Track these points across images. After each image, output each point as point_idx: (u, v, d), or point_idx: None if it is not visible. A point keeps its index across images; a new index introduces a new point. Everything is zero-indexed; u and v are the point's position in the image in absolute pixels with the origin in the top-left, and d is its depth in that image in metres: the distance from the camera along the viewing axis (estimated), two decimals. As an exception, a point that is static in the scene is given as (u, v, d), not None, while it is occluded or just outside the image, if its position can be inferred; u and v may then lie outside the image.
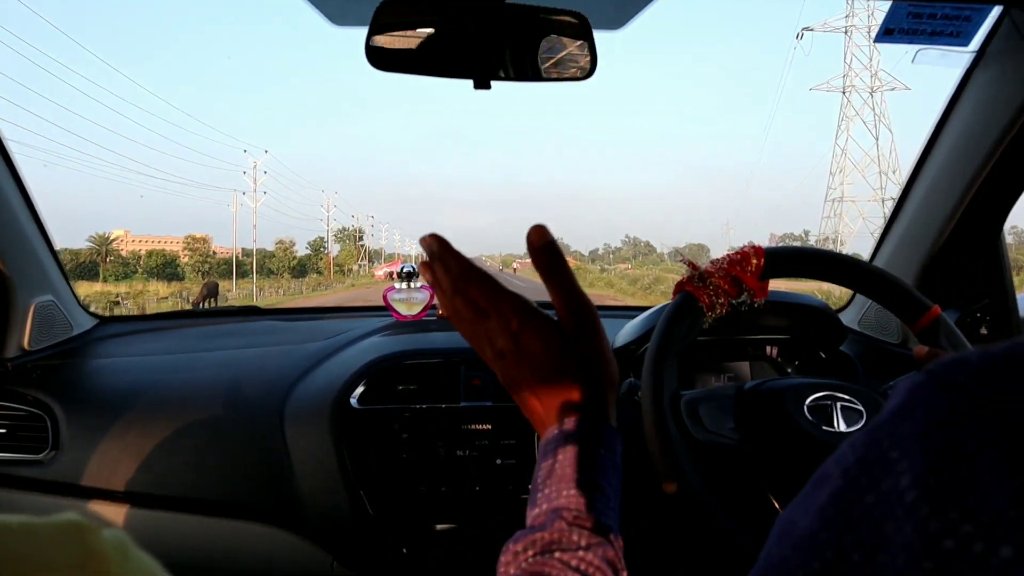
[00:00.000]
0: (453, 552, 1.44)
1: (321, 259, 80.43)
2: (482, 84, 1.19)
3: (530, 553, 0.55)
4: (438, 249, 0.68)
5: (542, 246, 0.64)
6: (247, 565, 1.47)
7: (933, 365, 0.38)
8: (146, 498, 1.45)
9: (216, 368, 1.59)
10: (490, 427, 1.42)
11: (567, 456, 0.60)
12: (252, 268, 59.87)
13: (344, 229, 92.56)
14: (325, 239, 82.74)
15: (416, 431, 1.42)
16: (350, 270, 79.95)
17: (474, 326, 0.66)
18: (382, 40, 1.15)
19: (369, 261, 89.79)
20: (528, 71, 1.21)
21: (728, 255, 1.09)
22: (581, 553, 0.54)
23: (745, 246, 1.10)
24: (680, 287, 1.10)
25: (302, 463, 1.42)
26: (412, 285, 1.77)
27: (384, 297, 1.77)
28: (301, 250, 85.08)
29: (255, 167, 59.55)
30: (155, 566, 0.41)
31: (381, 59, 1.16)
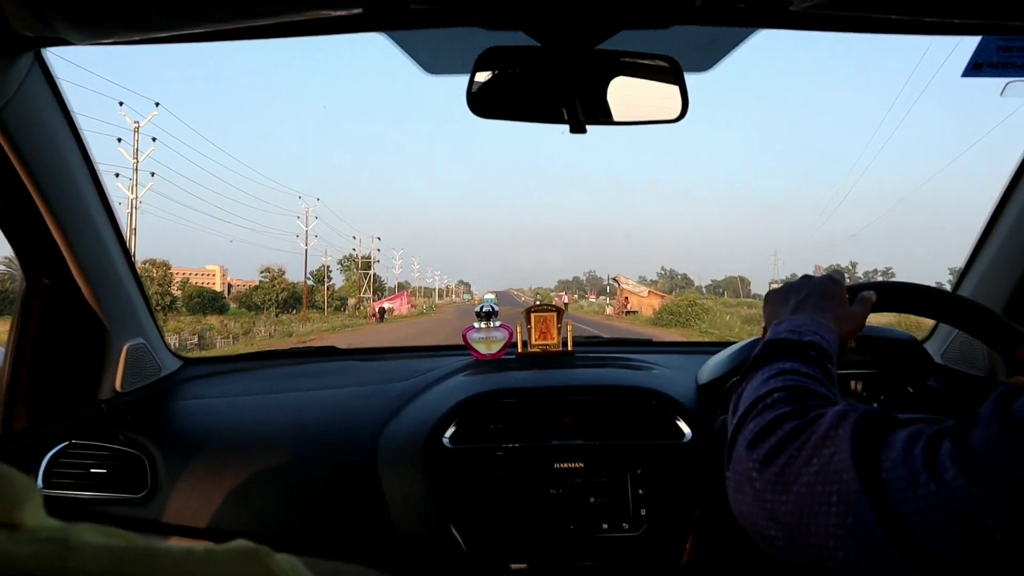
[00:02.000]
0: None
1: (323, 290, 66.55)
2: (577, 129, 1.22)
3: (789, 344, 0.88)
4: None
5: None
6: None
7: None
8: (241, 536, 1.46)
9: (304, 409, 1.62)
10: (582, 465, 1.43)
11: (813, 326, 0.91)
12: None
13: (351, 256, 77.98)
14: (325, 266, 67.40)
15: (508, 470, 1.42)
16: (345, 305, 66.08)
17: None
18: (481, 89, 1.18)
19: (375, 293, 75.51)
20: (621, 114, 1.23)
21: None
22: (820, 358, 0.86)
23: None
24: None
25: (395, 502, 1.43)
26: (491, 324, 1.79)
27: (464, 336, 1.79)
28: (300, 278, 69.63)
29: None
30: None
31: (481, 106, 1.19)
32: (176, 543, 0.35)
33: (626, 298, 60.36)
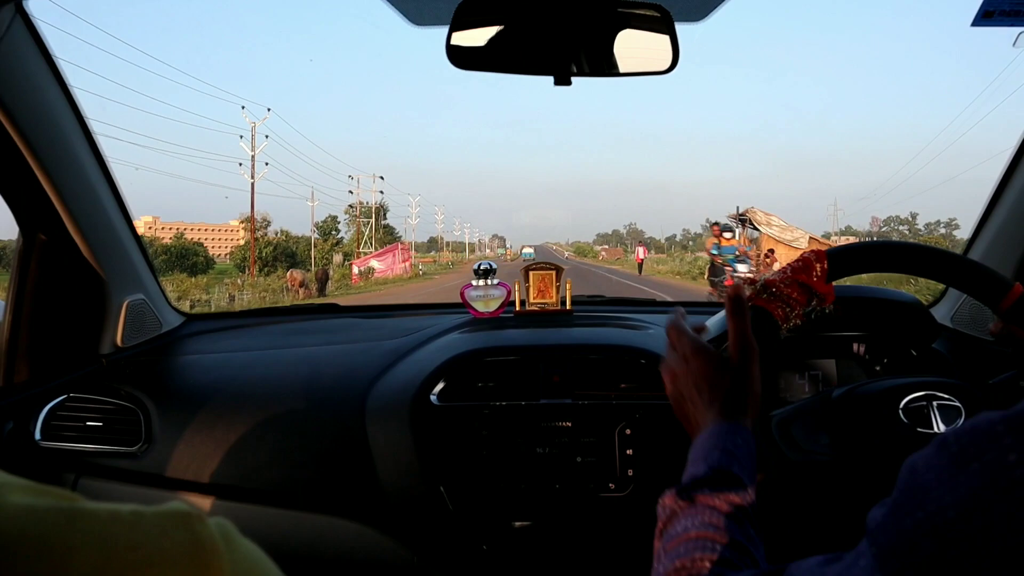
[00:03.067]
0: (533, 549, 1.44)
1: (320, 245, 53.12)
2: (562, 80, 1.19)
3: (679, 502, 0.73)
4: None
5: (734, 297, 0.88)
6: (330, 559, 1.50)
7: None
8: (233, 491, 1.49)
9: (299, 365, 1.63)
10: (570, 424, 1.42)
11: (711, 441, 0.79)
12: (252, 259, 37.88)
13: (362, 204, 56.59)
14: (330, 216, 56.96)
15: (496, 428, 1.42)
16: (327, 264, 44.34)
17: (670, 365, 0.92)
18: (462, 39, 1.15)
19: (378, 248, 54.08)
20: (608, 66, 1.19)
21: (789, 264, 1.06)
22: (718, 495, 0.72)
23: (804, 253, 1.06)
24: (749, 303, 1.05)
25: (383, 459, 1.44)
26: (489, 282, 1.77)
27: (462, 294, 1.78)
28: (302, 231, 58.14)
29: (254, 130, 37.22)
30: (260, 554, 0.42)
31: (462, 58, 1.16)
32: (105, 504, 0.35)
33: (770, 251, 22.99)
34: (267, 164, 40.27)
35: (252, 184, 37.31)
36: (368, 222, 56.62)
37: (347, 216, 59.41)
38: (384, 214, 60.85)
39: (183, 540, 0.36)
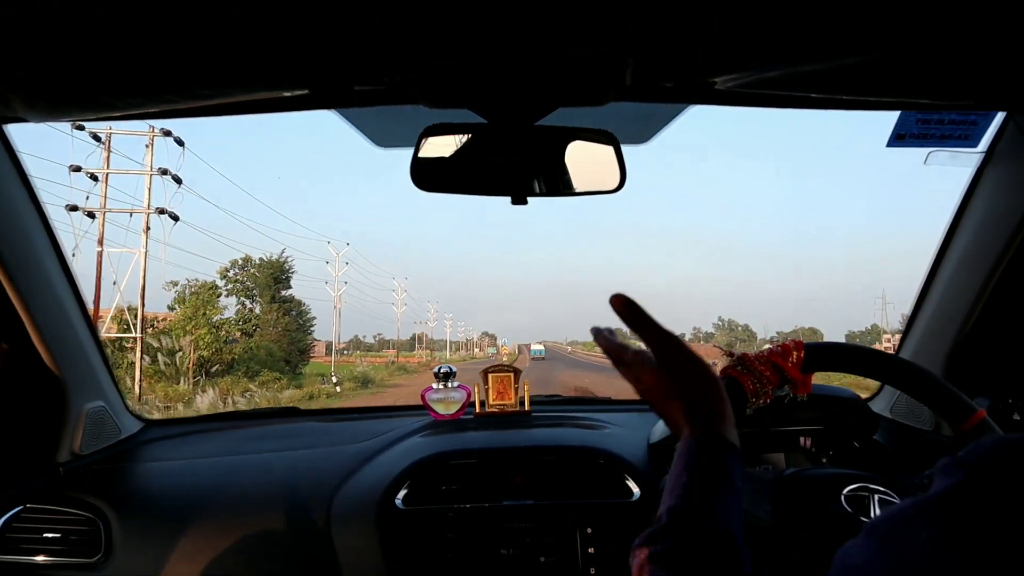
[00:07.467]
0: None
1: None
2: (519, 200, 1.27)
3: (647, 549, 0.69)
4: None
5: (621, 308, 0.86)
6: None
7: (963, 451, 0.53)
8: None
9: (261, 472, 1.64)
10: (532, 525, 1.45)
11: (681, 466, 0.76)
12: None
13: (263, 258, 32.45)
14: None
15: (460, 530, 1.45)
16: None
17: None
18: (424, 162, 1.23)
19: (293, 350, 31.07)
20: (561, 187, 1.29)
21: (769, 347, 1.15)
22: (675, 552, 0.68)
23: (786, 341, 1.16)
24: (724, 373, 1.13)
25: (349, 564, 1.44)
26: (450, 385, 1.82)
27: (422, 397, 1.82)
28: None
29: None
30: None
31: (424, 179, 1.24)
32: None
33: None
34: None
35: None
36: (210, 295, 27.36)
37: (226, 283, 31.39)
38: (284, 277, 32.67)
39: None
